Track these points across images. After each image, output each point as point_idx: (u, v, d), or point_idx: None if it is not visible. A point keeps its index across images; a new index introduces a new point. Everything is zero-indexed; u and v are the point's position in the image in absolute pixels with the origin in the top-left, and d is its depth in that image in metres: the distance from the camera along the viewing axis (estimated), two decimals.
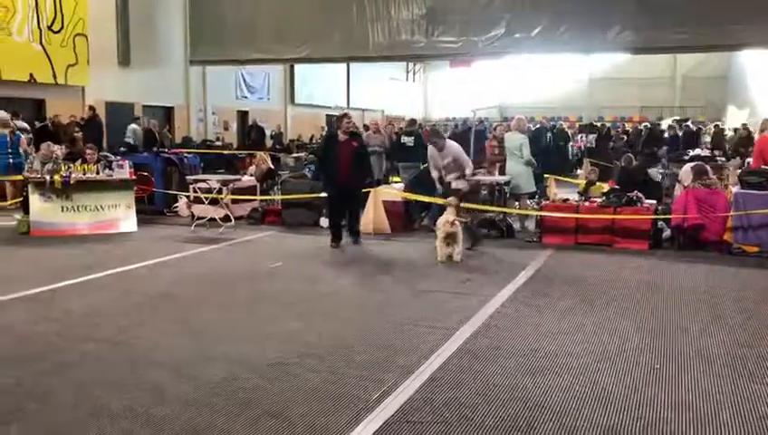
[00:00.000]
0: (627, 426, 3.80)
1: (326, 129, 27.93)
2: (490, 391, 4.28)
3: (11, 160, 12.13)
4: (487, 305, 6.30)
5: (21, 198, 10.75)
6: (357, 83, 33.65)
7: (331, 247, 9.29)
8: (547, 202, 10.58)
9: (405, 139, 14.45)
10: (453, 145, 9.64)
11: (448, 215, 8.37)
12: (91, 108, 16.25)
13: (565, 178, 15.46)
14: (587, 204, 9.96)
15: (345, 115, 9.68)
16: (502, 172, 11.41)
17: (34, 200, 10.06)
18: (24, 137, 13.17)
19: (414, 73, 40.94)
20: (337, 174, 9.23)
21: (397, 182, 12.46)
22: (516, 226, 10.67)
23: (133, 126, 17.97)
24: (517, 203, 11.17)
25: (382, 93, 35.43)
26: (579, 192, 11.50)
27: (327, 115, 31.03)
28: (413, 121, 15.89)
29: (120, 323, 5.62)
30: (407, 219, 10.85)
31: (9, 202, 11.63)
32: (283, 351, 5.00)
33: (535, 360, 4.87)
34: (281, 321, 5.80)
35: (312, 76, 29.81)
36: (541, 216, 10.02)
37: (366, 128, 17.60)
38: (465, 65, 36.07)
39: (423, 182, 10.96)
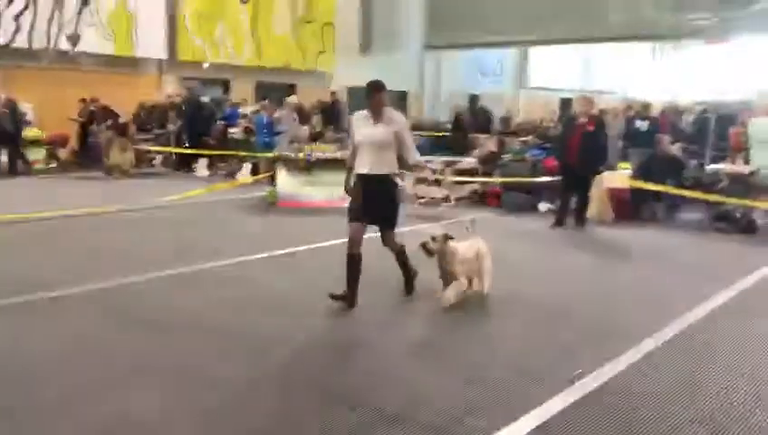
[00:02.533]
0: None
1: (558, 113, 27.25)
2: (694, 386, 4.09)
3: (266, 139, 13.79)
4: (708, 301, 5.92)
5: (271, 173, 12.13)
6: (594, 65, 32.26)
7: (550, 229, 9.34)
8: None
9: (639, 123, 13.74)
10: None
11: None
12: (333, 93, 17.67)
13: None
14: None
15: (581, 98, 9.68)
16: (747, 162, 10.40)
17: (282, 175, 11.32)
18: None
19: (661, 52, 38.10)
20: (569, 155, 9.27)
21: (625, 169, 11.89)
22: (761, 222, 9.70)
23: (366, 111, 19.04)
24: None
25: (622, 75, 33.55)
26: None
27: (561, 99, 30.27)
28: (648, 105, 14.97)
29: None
30: (633, 208, 10.38)
31: (261, 175, 13.16)
32: (487, 324, 5.20)
33: (748, 360, 4.52)
34: (481, 298, 5.99)
35: (546, 58, 29.21)
36: None
37: (602, 113, 16.95)
38: (723, 42, 32.74)
39: (653, 169, 10.39)
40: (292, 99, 14.06)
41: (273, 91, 20.13)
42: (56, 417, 3.57)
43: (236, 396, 3.86)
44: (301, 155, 11.25)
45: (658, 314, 5.51)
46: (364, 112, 5.67)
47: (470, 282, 5.81)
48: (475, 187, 11.88)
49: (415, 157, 5.73)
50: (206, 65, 19.62)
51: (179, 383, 4.03)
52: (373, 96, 5.57)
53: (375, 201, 5.51)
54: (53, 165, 16.14)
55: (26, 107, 16.45)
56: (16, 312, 5.30)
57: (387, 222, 5.63)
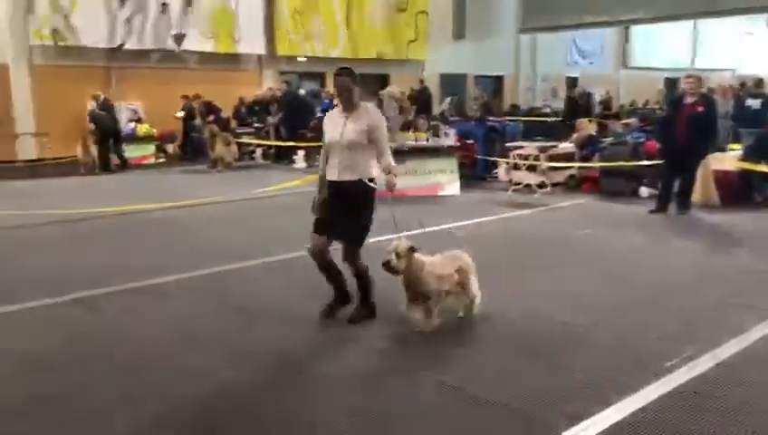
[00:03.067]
0: None
1: (663, 92, 26.04)
2: None
3: None
4: None
5: None
6: (703, 41, 30.55)
7: (649, 213, 9.00)
8: None
9: (750, 101, 12.98)
10: None
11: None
12: (421, 81, 17.67)
13: None
14: None
15: (688, 76, 9.21)
16: None
17: (374, 164, 11.45)
18: None
19: None
20: (675, 137, 8.85)
21: (734, 150, 11.24)
22: None
23: (449, 98, 18.92)
24: None
25: (734, 50, 31.57)
26: None
27: (666, 78, 28.90)
28: (760, 82, 14.05)
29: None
30: (742, 191, 9.79)
31: None
32: (578, 310, 5.10)
33: None
34: (578, 284, 5.86)
35: (650, 36, 27.96)
36: None
37: (711, 91, 16.09)
38: None
39: (766, 149, 9.77)
40: (392, 88, 14.18)
41: (367, 81, 20.35)
42: (158, 398, 3.82)
43: (319, 389, 3.99)
44: (392, 144, 11.32)
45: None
46: (336, 109, 4.94)
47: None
48: (573, 172, 11.58)
49: (387, 160, 4.73)
50: (302, 59, 20.10)
51: (273, 367, 4.21)
52: (338, 84, 4.73)
53: (343, 213, 4.74)
54: (162, 159, 17.09)
55: (136, 105, 17.50)
56: (126, 296, 5.68)
57: (352, 238, 4.79)
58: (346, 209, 4.74)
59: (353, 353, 4.41)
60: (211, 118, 16.22)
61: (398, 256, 4.55)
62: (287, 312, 5.22)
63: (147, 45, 17.38)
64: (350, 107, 4.75)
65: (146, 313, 5.29)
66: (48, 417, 3.57)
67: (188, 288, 5.92)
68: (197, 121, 16.71)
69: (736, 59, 31.64)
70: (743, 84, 16.74)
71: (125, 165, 15.49)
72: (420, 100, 17.20)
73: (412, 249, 4.62)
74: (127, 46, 17.06)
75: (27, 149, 16.06)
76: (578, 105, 18.68)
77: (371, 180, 4.76)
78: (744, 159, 9.89)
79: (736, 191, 9.74)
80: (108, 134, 15.11)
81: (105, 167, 14.99)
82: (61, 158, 15.24)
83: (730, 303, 5.28)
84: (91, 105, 15.08)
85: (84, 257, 7.15)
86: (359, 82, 4.73)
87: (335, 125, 4.76)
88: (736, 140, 12.40)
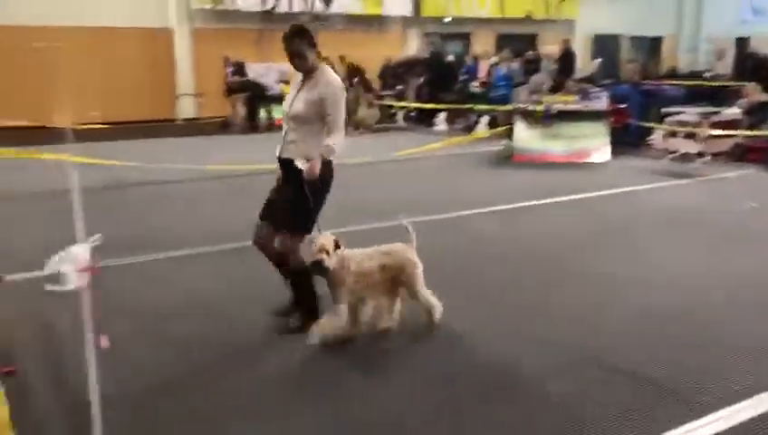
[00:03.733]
0: None
1: None
2: None
3: (505, 92, 13.64)
4: None
5: (509, 126, 11.95)
6: None
7: None
8: None
9: None
10: None
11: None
12: (564, 41, 16.67)
13: None
14: None
15: None
16: None
17: (519, 128, 11.10)
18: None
19: None
20: None
21: None
22: None
23: (597, 60, 17.69)
24: None
25: None
26: None
27: None
28: None
29: (568, 246, 5.97)
30: None
31: (498, 129, 13.03)
32: (739, 293, 4.66)
33: None
34: (740, 263, 5.35)
35: None
36: None
37: None
38: None
39: None
40: (550, 47, 13.85)
41: (514, 42, 19.71)
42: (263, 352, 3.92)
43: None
44: (539, 107, 10.90)
45: None
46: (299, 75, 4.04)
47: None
48: (738, 140, 10.58)
49: (329, 140, 3.86)
50: (447, 19, 19.79)
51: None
52: (286, 48, 3.95)
53: (282, 196, 4.06)
54: None
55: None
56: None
57: (285, 224, 3.98)
58: (285, 192, 4.04)
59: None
60: (355, 80, 16.42)
61: (327, 253, 3.75)
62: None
63: (297, 8, 17.84)
64: (305, 73, 3.97)
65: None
66: (203, 349, 3.77)
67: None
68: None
69: None
70: None
71: (272, 125, 16.11)
72: (563, 61, 16.27)
73: (338, 244, 3.85)
74: (278, 9, 17.60)
75: (186, 109, 17.13)
76: (747, 68, 16.98)
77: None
78: None
79: None
80: (254, 95, 15.82)
81: (253, 127, 15.67)
82: (215, 117, 16.14)
83: None
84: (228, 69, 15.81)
85: (239, 211, 7.49)
86: (314, 40, 3.95)
87: (291, 93, 4.06)
88: None
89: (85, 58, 15.44)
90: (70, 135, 10.06)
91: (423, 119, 16.44)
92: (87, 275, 2.57)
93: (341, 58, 16.91)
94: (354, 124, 15.58)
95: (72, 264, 2.64)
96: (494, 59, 15.97)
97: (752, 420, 3.05)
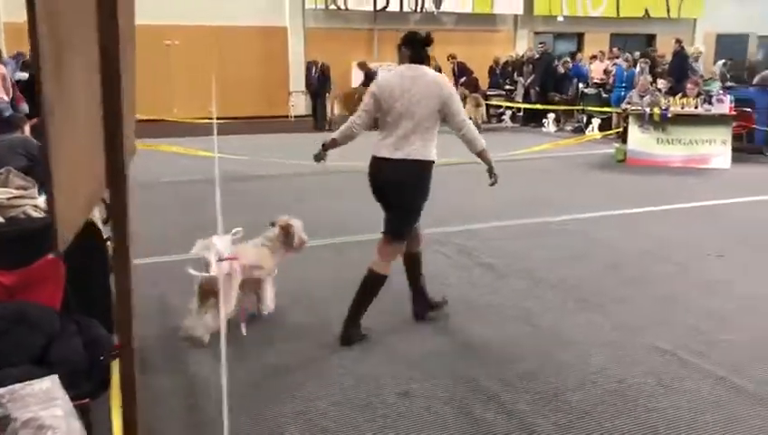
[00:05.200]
0: None
1: None
2: None
3: (623, 93, 13.24)
4: None
5: (621, 129, 11.58)
6: None
7: None
8: None
9: None
10: None
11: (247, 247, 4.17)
12: (677, 41, 15.88)
13: None
14: None
15: None
16: None
17: (633, 131, 10.72)
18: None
19: None
20: None
21: None
22: None
23: (721, 61, 16.71)
24: None
25: None
26: None
27: None
28: None
29: (692, 251, 5.73)
30: None
31: (613, 131, 12.66)
32: None
33: None
34: None
35: None
36: None
37: None
38: None
39: None
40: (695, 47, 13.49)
41: (630, 41, 19.04)
42: (394, 345, 3.99)
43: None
44: (656, 110, 10.48)
45: None
46: None
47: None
48: None
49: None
50: (560, 19, 19.37)
51: (511, 324, 4.19)
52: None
53: None
54: None
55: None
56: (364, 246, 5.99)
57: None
58: None
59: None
60: (463, 79, 16.41)
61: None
62: (535, 275, 5.15)
63: (407, 8, 18.01)
64: None
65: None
66: (309, 342, 3.93)
67: (438, 242, 6.07)
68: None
69: None
70: None
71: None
72: (676, 62, 15.54)
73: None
74: (389, 8, 17.84)
75: (298, 106, 17.70)
76: None
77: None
78: None
79: None
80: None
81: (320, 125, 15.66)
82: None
83: None
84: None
85: (349, 206, 7.69)
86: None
87: None
88: None
89: (204, 55, 16.23)
90: (206, 129, 10.58)
91: (531, 119, 16.20)
92: (227, 265, 2.74)
93: (451, 57, 16.94)
94: None
95: (214, 252, 2.80)
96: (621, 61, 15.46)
97: None
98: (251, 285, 4.11)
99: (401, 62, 3.99)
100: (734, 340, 3.96)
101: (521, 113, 16.65)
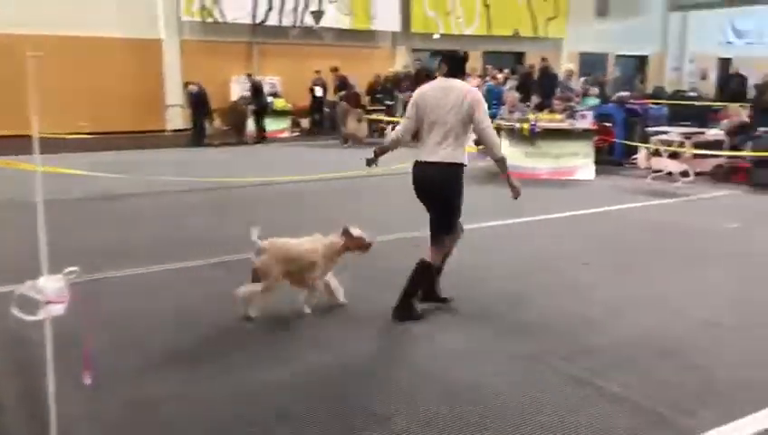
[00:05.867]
0: None
1: None
2: None
3: (494, 110, 13.80)
4: None
5: None
6: None
7: None
8: None
9: None
10: None
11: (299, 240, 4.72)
12: (543, 59, 16.89)
13: None
14: None
15: None
16: None
17: (504, 145, 11.16)
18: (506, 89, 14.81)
19: None
20: None
21: None
22: None
23: (584, 78, 17.86)
24: None
25: None
26: None
27: None
28: None
29: (566, 261, 6.03)
30: None
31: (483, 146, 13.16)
32: (718, 310, 4.73)
33: None
34: (722, 283, 5.43)
35: None
36: None
37: None
38: None
39: None
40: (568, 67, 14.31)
41: (502, 60, 19.91)
42: (286, 361, 3.93)
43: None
44: (525, 125, 11.00)
45: None
46: None
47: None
48: (721, 161, 10.74)
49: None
50: (436, 36, 19.96)
51: (386, 335, 4.22)
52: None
53: None
54: (297, 133, 17.68)
55: (275, 80, 18.15)
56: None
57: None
58: None
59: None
60: (342, 93, 16.52)
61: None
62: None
63: (286, 22, 17.93)
64: None
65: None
66: (183, 370, 3.77)
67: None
68: (324, 95, 17.20)
69: None
70: None
71: (263, 138, 16.17)
72: (544, 79, 16.45)
73: None
74: (267, 22, 17.70)
75: (175, 120, 17.13)
76: (730, 89, 17.25)
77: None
78: None
79: None
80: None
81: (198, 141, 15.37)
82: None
83: None
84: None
85: (222, 224, 7.51)
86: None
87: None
88: None
89: (72, 67, 15.36)
90: (56, 145, 10.01)
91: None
92: (58, 307, 2.60)
93: (334, 69, 17.03)
94: (343, 138, 15.66)
95: (42, 294, 2.56)
96: (501, 77, 16.17)
97: None
98: (298, 280, 4.56)
99: (439, 75, 4.51)
100: (600, 343, 4.19)
101: None
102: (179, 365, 3.88)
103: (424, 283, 4.58)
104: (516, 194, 4.55)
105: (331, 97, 17.34)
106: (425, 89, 4.51)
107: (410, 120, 4.54)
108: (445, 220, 4.50)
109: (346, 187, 10.13)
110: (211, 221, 7.71)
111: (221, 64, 16.89)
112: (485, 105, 4.40)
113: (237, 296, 4.46)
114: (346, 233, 4.65)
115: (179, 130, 16.64)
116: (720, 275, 5.67)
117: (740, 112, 11.91)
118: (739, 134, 11.14)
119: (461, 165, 4.39)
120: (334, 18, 18.36)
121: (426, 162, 4.42)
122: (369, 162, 4.83)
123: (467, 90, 4.40)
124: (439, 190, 4.44)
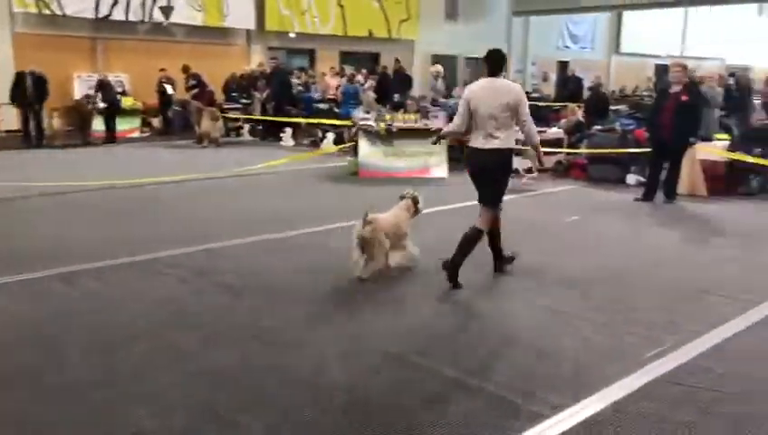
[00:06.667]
0: None
1: (653, 79, 26.10)
2: None
3: (352, 109, 14.00)
4: None
5: (353, 142, 12.20)
6: (694, 28, 30.51)
7: (635, 201, 9.04)
8: None
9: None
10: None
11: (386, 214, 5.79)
12: (397, 60, 17.43)
13: None
14: None
15: (675, 65, 9.22)
16: None
17: (363, 145, 11.37)
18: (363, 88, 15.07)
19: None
20: (661, 126, 8.87)
21: (721, 140, 11.27)
22: None
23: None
24: None
25: (725, 39, 31.51)
26: None
27: (656, 65, 28.90)
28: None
29: (423, 256, 6.24)
30: (730, 182, 9.82)
31: (346, 145, 13.27)
32: (562, 299, 5.10)
33: None
34: (565, 268, 5.86)
35: (642, 22, 27.87)
36: None
37: (700, 81, 16.09)
38: None
39: (755, 140, 9.84)
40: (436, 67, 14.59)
41: (358, 60, 20.19)
42: (136, 380, 3.78)
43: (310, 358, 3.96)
44: (382, 125, 11.24)
45: (743, 296, 5.25)
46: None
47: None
48: (560, 158, 11.57)
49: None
50: (292, 35, 19.86)
51: (255, 344, 4.18)
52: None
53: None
54: (147, 133, 16.92)
55: (122, 77, 17.25)
56: (103, 275, 5.60)
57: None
58: None
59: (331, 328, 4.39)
60: (194, 91, 16.00)
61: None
62: (274, 289, 5.19)
63: (133, 17, 17.08)
64: None
65: (132, 290, 5.22)
66: (26, 390, 3.51)
67: (175, 265, 5.85)
68: (173, 95, 16.61)
69: (727, 47, 31.66)
70: (731, 74, 16.76)
71: (113, 138, 15.32)
72: (399, 80, 16.96)
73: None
74: (113, 17, 16.76)
75: (9, 119, 15.77)
76: (568, 90, 18.61)
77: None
78: (733, 149, 9.93)
79: (723, 181, 9.78)
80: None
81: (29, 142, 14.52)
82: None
83: (712, 293, 5.29)
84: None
85: (70, 232, 7.06)
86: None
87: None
88: (726, 130, 12.42)
89: None
90: None
91: (269, 133, 16.38)
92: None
93: (185, 68, 16.43)
94: (198, 138, 15.18)
95: None
96: (361, 78, 16.36)
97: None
98: (395, 241, 5.60)
99: (484, 74, 5.40)
100: (456, 338, 4.38)
101: (260, 127, 16.76)
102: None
103: (474, 247, 5.40)
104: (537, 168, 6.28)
105: (182, 95, 16.71)
106: (474, 88, 5.39)
107: (463, 115, 5.39)
108: (496, 194, 5.46)
109: (210, 187, 9.86)
110: (61, 228, 7.22)
111: (62, 60, 15.78)
112: (527, 102, 5.37)
113: (351, 261, 5.38)
114: (415, 201, 5.86)
115: (12, 132, 15.32)
116: (563, 264, 6.11)
117: (576, 112, 12.86)
118: (575, 133, 12.05)
119: (511, 149, 5.35)
120: (185, 14, 17.72)
121: (482, 149, 5.29)
122: (435, 141, 6.35)
123: (511, 88, 5.33)
124: (493, 170, 5.35)
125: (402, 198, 5.89)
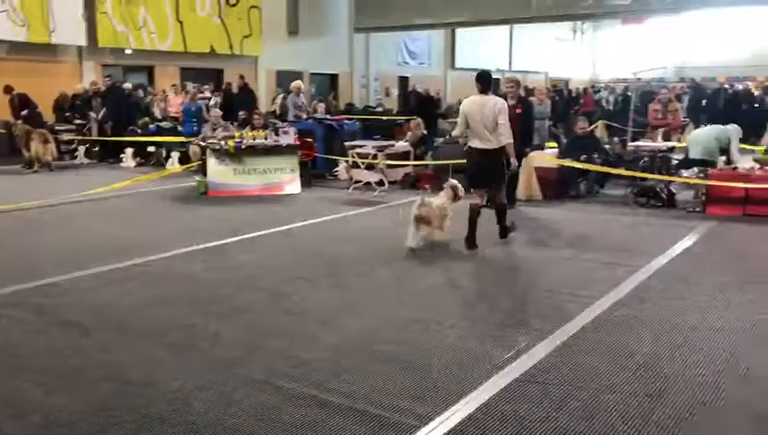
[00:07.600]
0: None
1: None
2: (622, 360, 4.26)
3: (195, 128, 13.59)
4: (634, 277, 6.14)
5: (200, 162, 11.85)
6: (519, 45, 32.80)
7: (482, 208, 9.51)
8: (714, 171, 9.87)
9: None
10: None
11: (434, 199, 7.35)
12: (241, 77, 17.27)
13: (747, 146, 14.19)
14: (759, 172, 9.20)
15: (508, 81, 9.86)
16: (666, 138, 10.84)
17: (211, 164, 11.08)
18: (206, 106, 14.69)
19: (582, 33, 39.04)
20: None
21: (552, 147, 12.20)
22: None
23: (282, 95, 18.60)
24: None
25: (546, 55, 34.23)
26: (756, 159, 10.58)
27: None
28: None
29: (279, 277, 6.17)
30: (560, 186, 10.65)
31: (193, 164, 12.86)
32: (421, 309, 5.26)
33: (674, 334, 4.73)
34: (420, 280, 6.06)
35: (474, 39, 29.51)
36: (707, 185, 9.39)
37: (530, 93, 17.29)
38: (638, 22, 33.95)
39: (580, 147, 10.72)
40: (298, 83, 14.66)
41: (200, 76, 19.66)
42: None
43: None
44: (230, 142, 11.01)
45: (585, 291, 5.71)
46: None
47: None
48: (408, 170, 11.94)
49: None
50: (128, 51, 18.94)
51: (101, 386, 3.92)
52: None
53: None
54: None
55: None
56: None
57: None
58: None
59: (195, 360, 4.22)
60: (24, 112, 14.81)
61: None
62: (124, 324, 4.90)
63: None
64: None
65: None
66: None
67: (8, 304, 5.35)
68: None
69: (548, 62, 34.37)
70: (554, 86, 18.22)
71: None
72: (243, 97, 16.76)
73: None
74: None
75: None
76: (411, 104, 19.29)
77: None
78: (560, 157, 10.78)
79: (555, 186, 10.58)
80: None
81: None
82: None
83: (555, 293, 5.70)
84: None
85: None
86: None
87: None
88: (555, 138, 13.44)
89: None
90: None
91: (108, 154, 15.49)
92: None
93: (7, 88, 15.11)
94: (27, 162, 14.01)
95: None
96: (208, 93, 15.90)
97: None
98: (439, 222, 7.06)
99: (478, 91, 7.01)
100: (318, 357, 4.37)
101: (96, 148, 15.79)
102: None
103: (504, 219, 7.45)
104: (512, 169, 7.39)
105: (5, 117, 15.34)
106: (468, 102, 7.03)
107: (462, 124, 7.14)
108: (497, 179, 7.14)
109: (48, 215, 9.12)
110: None
111: None
112: (506, 111, 6.97)
113: (408, 234, 6.91)
114: (454, 189, 7.26)
115: None
116: (408, 271, 6.30)
117: (420, 126, 13.33)
118: (420, 146, 12.49)
119: (503, 147, 6.94)
120: (6, 29, 16.31)
121: (479, 148, 6.98)
122: (448, 142, 7.72)
123: (495, 102, 6.94)
124: (492, 164, 7.00)
125: (442, 188, 7.43)
